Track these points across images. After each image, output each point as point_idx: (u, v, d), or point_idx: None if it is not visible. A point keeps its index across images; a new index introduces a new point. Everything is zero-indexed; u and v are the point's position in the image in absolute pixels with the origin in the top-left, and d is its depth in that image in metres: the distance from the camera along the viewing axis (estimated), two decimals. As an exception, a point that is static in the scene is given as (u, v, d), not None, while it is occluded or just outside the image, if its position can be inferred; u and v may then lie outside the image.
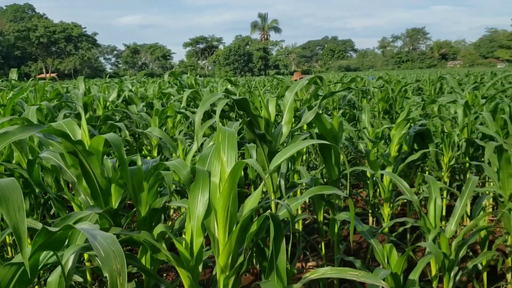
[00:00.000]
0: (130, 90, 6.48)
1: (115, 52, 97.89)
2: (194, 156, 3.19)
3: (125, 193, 2.28)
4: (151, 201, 2.01)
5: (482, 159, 4.53)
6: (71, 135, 2.06)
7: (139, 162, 2.12)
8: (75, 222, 1.58)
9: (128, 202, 3.82)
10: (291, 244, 4.20)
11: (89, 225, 1.13)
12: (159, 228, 1.80)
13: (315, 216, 3.13)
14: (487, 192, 3.42)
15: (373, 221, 4.51)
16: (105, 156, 2.42)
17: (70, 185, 2.57)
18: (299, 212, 4.32)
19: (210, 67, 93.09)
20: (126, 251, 3.50)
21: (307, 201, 4.68)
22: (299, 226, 4.05)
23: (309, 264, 3.67)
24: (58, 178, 3.08)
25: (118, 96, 6.50)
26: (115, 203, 2.24)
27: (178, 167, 1.83)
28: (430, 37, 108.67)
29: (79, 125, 2.19)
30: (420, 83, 10.27)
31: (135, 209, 2.08)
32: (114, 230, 1.73)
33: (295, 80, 8.59)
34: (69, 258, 1.48)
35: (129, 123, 5.11)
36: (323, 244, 3.17)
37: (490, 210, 4.50)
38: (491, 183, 4.08)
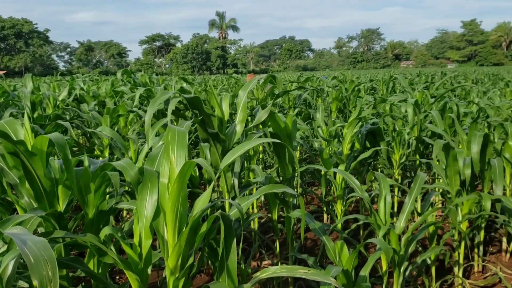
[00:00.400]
0: (82, 89, 6.29)
1: (69, 49, 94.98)
2: (146, 156, 3.13)
3: (72, 194, 2.20)
4: (98, 202, 1.95)
5: (431, 156, 4.68)
6: (12, 135, 1.96)
7: (86, 163, 2.05)
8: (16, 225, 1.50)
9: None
10: (247, 243, 4.19)
11: (20, 230, 1.07)
12: (106, 231, 1.74)
13: (269, 215, 3.14)
14: (436, 189, 3.54)
15: (327, 218, 4.57)
16: (53, 157, 2.33)
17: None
18: (255, 211, 4.33)
19: (167, 65, 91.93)
20: (76, 255, 3.38)
21: (262, 199, 4.69)
22: (255, 225, 4.05)
23: (264, 262, 3.68)
24: (1, 180, 2.94)
25: (69, 94, 6.30)
26: (62, 205, 2.16)
27: (126, 167, 1.78)
28: (384, 38, 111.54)
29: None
30: (374, 83, 10.52)
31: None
32: (57, 234, 1.67)
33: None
34: (8, 264, 1.41)
35: (80, 123, 4.96)
36: (277, 242, 3.18)
37: (440, 206, 4.66)
38: (440, 180, 4.22)
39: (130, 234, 2.39)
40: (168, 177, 1.67)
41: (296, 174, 3.96)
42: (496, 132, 4.22)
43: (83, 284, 2.05)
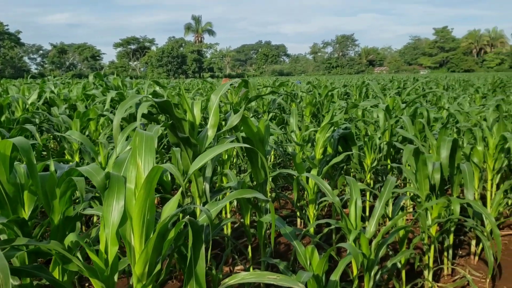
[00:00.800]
0: (52, 92, 6.16)
1: (41, 51, 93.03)
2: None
3: (38, 200, 2.14)
4: (64, 208, 1.89)
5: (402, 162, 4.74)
6: (-27, 139, 1.90)
7: (52, 168, 2.00)
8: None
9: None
10: (220, 248, 4.15)
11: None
12: (70, 237, 1.69)
13: (242, 220, 3.12)
14: (408, 194, 3.58)
15: (301, 223, 4.58)
16: (19, 162, 2.26)
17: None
18: (228, 216, 4.30)
19: (142, 69, 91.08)
20: (44, 263, 3.30)
21: (235, 204, 4.67)
22: (227, 230, 4.02)
23: (237, 268, 3.65)
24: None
25: (39, 97, 6.16)
26: (27, 211, 2.10)
27: (92, 172, 1.74)
28: (358, 44, 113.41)
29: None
30: (348, 88, 10.63)
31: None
32: (20, 241, 1.62)
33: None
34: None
35: (49, 127, 4.85)
36: (250, 247, 3.17)
37: (411, 210, 4.73)
38: (411, 185, 4.28)
39: (98, 241, 2.34)
40: (135, 183, 1.63)
41: (269, 179, 3.96)
42: (465, 137, 4.31)
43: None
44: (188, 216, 1.64)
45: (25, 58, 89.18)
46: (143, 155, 1.67)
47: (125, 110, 2.18)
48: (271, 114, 6.02)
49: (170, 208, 1.67)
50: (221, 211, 4.17)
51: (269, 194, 4.56)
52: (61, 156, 4.44)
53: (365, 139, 4.23)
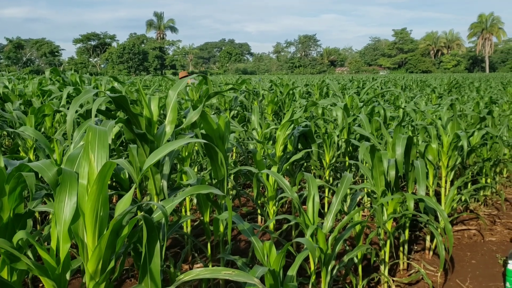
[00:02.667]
0: (6, 87, 5.95)
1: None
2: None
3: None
4: (13, 205, 1.83)
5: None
6: None
7: (1, 164, 1.93)
8: None
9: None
10: (180, 246, 4.12)
11: None
12: (19, 235, 1.64)
13: (202, 217, 3.11)
14: (365, 190, 3.66)
15: (261, 220, 4.60)
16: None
17: None
18: (188, 213, 4.27)
19: (102, 65, 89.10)
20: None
21: (195, 202, 4.64)
22: (187, 228, 4.00)
23: (196, 266, 3.63)
24: None
25: (-8, 93, 5.93)
26: (-25, 209, 2.02)
27: (43, 168, 1.69)
28: (320, 44, 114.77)
29: None
30: (309, 88, 10.75)
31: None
32: (-36, 240, 1.55)
33: (183, 76, 8.55)
34: None
35: (2, 123, 4.67)
36: (209, 245, 3.15)
37: (368, 206, 4.83)
38: (367, 181, 4.37)
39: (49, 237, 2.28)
40: (88, 178, 1.60)
41: (230, 176, 3.96)
42: (420, 135, 4.43)
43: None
44: (142, 213, 1.62)
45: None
46: (96, 151, 1.64)
47: (81, 106, 2.13)
48: (233, 112, 6.02)
49: (123, 205, 1.65)
50: (180, 209, 4.14)
51: (230, 192, 4.56)
52: (15, 153, 4.29)
53: (325, 137, 4.29)
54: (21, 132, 3.19)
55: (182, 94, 5.21)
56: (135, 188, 1.66)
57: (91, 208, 1.55)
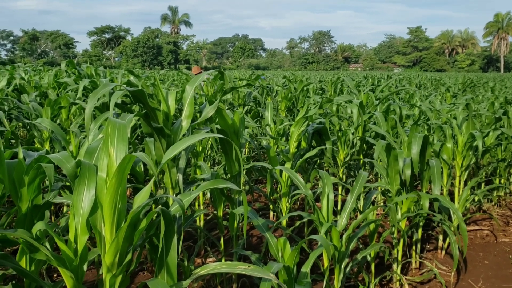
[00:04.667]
0: (22, 78, 6.01)
1: (11, 37, 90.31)
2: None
3: (5, 188, 2.09)
4: (32, 197, 1.85)
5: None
6: None
7: (21, 155, 1.95)
8: None
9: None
10: (193, 240, 4.14)
11: None
12: (38, 226, 1.66)
13: (215, 212, 3.12)
14: (379, 188, 3.64)
15: (273, 216, 4.60)
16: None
17: None
18: (201, 208, 4.29)
19: (116, 58, 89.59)
20: (11, 252, 3.22)
21: (209, 196, 4.66)
22: (200, 222, 4.01)
23: (209, 259, 3.65)
24: None
25: (9, 84, 6.00)
26: (-6, 199, 2.05)
27: (62, 160, 1.70)
28: (334, 40, 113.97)
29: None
30: (323, 84, 10.70)
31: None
32: (-15, 229, 1.58)
33: (195, 74, 8.57)
34: None
35: (19, 114, 4.73)
36: (222, 239, 3.17)
37: (382, 205, 4.81)
38: (382, 179, 4.35)
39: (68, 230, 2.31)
40: (107, 171, 1.61)
41: (243, 172, 3.96)
42: (435, 134, 4.40)
43: (13, 282, 1.95)
44: (160, 206, 1.63)
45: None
46: (115, 144, 1.65)
47: (98, 99, 2.15)
48: (246, 107, 6.02)
49: (142, 198, 1.66)
50: (194, 203, 4.15)
51: (242, 187, 4.57)
52: (30, 145, 4.34)
53: (339, 134, 4.27)
54: (38, 123, 3.22)
55: (197, 89, 5.22)
56: (154, 182, 1.67)
57: (110, 200, 1.56)
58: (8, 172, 1.81)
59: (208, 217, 4.47)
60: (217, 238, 4.01)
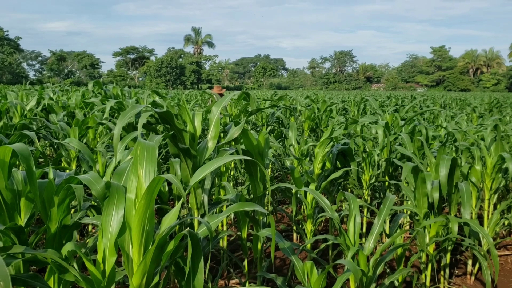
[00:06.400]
0: (51, 98, 6.15)
1: (40, 58, 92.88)
2: (114, 170, 3.05)
3: (35, 208, 2.12)
4: (61, 217, 1.87)
5: (400, 178, 4.74)
6: (-27, 144, 1.88)
7: (51, 175, 1.98)
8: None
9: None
10: (215, 261, 4.12)
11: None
12: (68, 246, 1.67)
13: (239, 233, 3.10)
14: (405, 211, 3.58)
15: (297, 237, 4.55)
16: (16, 168, 2.24)
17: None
18: (224, 228, 4.27)
19: (140, 78, 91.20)
20: (37, 271, 3.25)
21: (232, 217, 4.65)
22: (223, 243, 3.99)
23: (232, 281, 3.62)
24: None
25: (38, 104, 6.15)
26: (24, 218, 2.07)
27: (91, 181, 1.72)
28: (356, 60, 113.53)
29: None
30: (345, 104, 10.66)
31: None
32: (16, 249, 1.59)
33: (218, 93, 8.68)
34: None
35: (47, 133, 4.82)
36: (246, 261, 3.14)
37: (407, 227, 4.71)
38: (408, 202, 4.26)
39: (95, 250, 2.32)
40: (136, 193, 1.62)
41: (267, 192, 3.94)
42: (463, 156, 4.31)
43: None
44: (188, 228, 1.62)
45: (24, 64, 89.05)
46: (144, 165, 1.66)
47: (127, 120, 2.17)
48: (269, 127, 6.02)
49: (170, 220, 1.65)
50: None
51: (266, 208, 4.54)
52: (57, 164, 4.41)
53: (364, 155, 4.23)
54: (66, 143, 3.27)
55: (221, 109, 5.26)
56: (182, 203, 1.67)
57: (138, 222, 1.57)
58: (39, 192, 1.83)
59: (231, 238, 4.45)
60: (240, 259, 3.98)
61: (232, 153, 2.67)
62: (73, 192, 1.80)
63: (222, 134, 4.71)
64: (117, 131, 2.08)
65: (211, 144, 2.61)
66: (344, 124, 4.15)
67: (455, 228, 3.07)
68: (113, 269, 1.64)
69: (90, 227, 4.22)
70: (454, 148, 4.66)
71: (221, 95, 8.67)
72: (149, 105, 2.33)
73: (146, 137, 4.53)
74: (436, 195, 3.10)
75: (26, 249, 1.59)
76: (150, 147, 1.69)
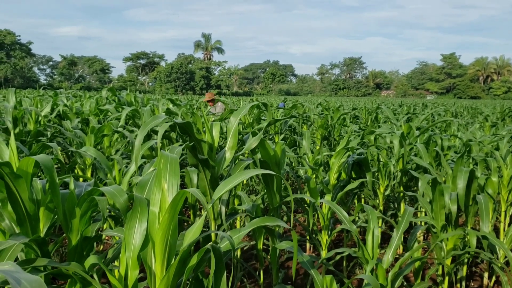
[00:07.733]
0: (65, 105, 6.19)
1: (51, 62, 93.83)
2: (131, 178, 3.06)
3: (55, 217, 2.12)
4: (83, 228, 1.87)
5: (415, 188, 4.69)
6: (-4, 155, 1.89)
7: (72, 186, 1.98)
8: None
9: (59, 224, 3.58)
10: (227, 270, 4.11)
11: (12, 266, 1.00)
12: (91, 260, 1.67)
13: (253, 243, 3.08)
14: (422, 223, 3.53)
15: (310, 247, 4.52)
16: (35, 177, 2.25)
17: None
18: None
19: (150, 83, 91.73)
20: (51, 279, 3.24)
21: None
22: (237, 252, 3.98)
23: (246, 292, 3.60)
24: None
25: (52, 110, 6.19)
26: (43, 228, 2.08)
27: (115, 194, 1.72)
28: (366, 66, 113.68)
29: (7, 142, 2.03)
30: (357, 111, 10.62)
31: (64, 234, 1.93)
32: (40, 262, 1.59)
33: (207, 100, 8.80)
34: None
35: (62, 140, 4.85)
36: (261, 272, 3.12)
37: (421, 238, 4.67)
38: (423, 213, 4.22)
39: (113, 262, 2.31)
40: (159, 206, 1.61)
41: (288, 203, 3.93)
42: (479, 167, 4.27)
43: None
44: (211, 243, 1.61)
45: (35, 69, 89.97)
46: (167, 178, 1.65)
47: (147, 131, 2.18)
48: (282, 135, 6.01)
49: (193, 233, 1.65)
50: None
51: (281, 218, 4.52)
52: (72, 171, 4.43)
53: (380, 166, 4.19)
54: (83, 152, 3.28)
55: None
56: (205, 217, 1.66)
57: (162, 236, 1.56)
58: (61, 203, 1.83)
59: (244, 247, 4.43)
60: (254, 269, 3.96)
61: (249, 164, 2.65)
62: (96, 203, 1.80)
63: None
64: (138, 142, 2.08)
65: (228, 155, 2.60)
66: (360, 133, 4.12)
67: (474, 242, 3.04)
68: (135, 282, 1.63)
69: (104, 235, 4.23)
70: (471, 160, 4.62)
71: (212, 100, 8.82)
72: (170, 117, 2.33)
73: (163, 145, 4.53)
74: (454, 208, 3.06)
75: (50, 261, 1.59)
76: (173, 160, 1.69)
